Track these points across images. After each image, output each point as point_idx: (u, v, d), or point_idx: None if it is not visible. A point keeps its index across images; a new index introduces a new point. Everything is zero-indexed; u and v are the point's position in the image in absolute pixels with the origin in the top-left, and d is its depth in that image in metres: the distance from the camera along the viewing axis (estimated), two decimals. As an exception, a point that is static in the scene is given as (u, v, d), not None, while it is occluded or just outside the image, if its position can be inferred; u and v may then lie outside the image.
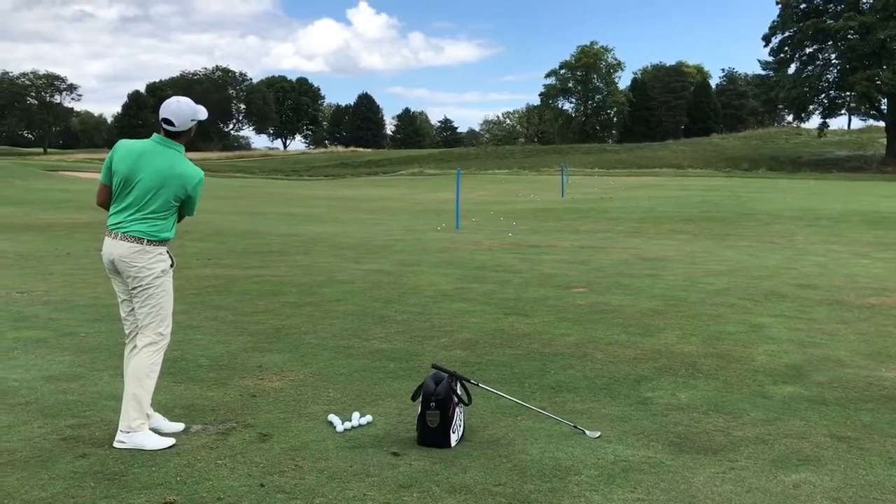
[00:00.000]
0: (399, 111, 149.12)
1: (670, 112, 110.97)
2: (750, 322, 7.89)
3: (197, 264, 12.04)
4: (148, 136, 4.62)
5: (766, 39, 66.10)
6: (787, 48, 65.20)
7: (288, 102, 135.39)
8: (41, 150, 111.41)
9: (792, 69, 66.19)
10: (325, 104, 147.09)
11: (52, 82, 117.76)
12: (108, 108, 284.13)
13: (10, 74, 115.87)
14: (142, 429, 4.41)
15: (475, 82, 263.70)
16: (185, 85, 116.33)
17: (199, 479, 3.96)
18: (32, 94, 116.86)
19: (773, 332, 7.41)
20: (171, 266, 4.63)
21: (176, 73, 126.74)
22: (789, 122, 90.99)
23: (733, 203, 26.51)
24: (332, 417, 4.83)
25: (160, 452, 4.30)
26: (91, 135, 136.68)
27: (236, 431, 4.68)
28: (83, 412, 5.01)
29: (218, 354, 6.54)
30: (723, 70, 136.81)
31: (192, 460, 4.21)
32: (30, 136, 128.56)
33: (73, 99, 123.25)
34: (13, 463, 4.17)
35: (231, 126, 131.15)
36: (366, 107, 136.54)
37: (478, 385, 4.91)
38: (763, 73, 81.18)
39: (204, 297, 9.22)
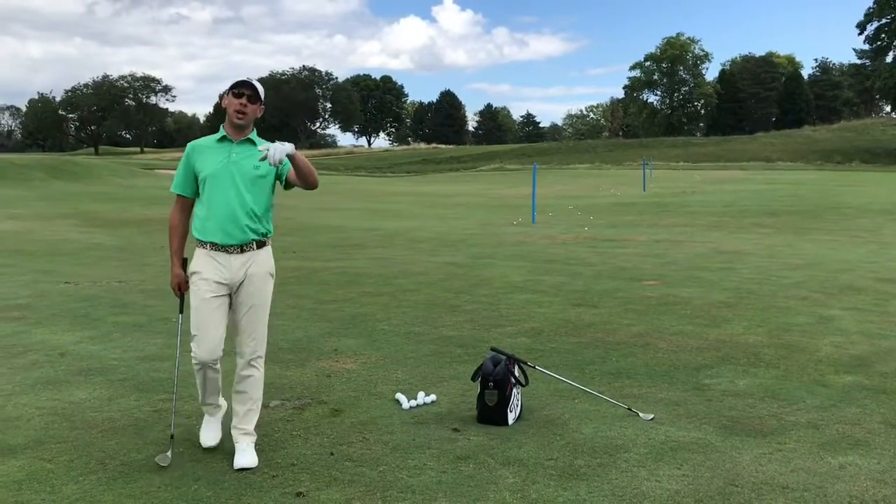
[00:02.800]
0: (482, 107, 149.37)
1: (760, 104, 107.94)
2: (820, 314, 7.86)
3: (282, 257, 12.57)
4: None
5: (861, 27, 63.79)
6: (884, 35, 62.77)
7: (372, 101, 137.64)
8: (138, 149, 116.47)
9: (890, 57, 63.57)
10: (408, 102, 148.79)
11: (149, 84, 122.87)
12: (201, 108, 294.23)
13: (111, 77, 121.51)
14: (203, 422, 4.49)
15: (559, 76, 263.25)
16: (273, 84, 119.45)
17: (275, 447, 4.34)
18: (130, 95, 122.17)
19: (842, 325, 7.38)
20: (196, 276, 4.18)
21: (265, 73, 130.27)
22: (888, 113, 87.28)
23: (820, 197, 25.80)
24: (399, 396, 5.16)
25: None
26: (185, 134, 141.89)
27: (311, 407, 5.06)
28: (173, 388, 5.47)
29: (297, 338, 6.97)
30: (815, 60, 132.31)
31: (269, 431, 4.60)
32: (128, 136, 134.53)
33: (167, 100, 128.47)
34: (113, 430, 4.66)
35: (317, 124, 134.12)
36: (448, 104, 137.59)
37: (535, 367, 5.15)
38: (859, 61, 78.11)
39: (286, 286, 9.71)
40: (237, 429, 4.25)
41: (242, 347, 4.21)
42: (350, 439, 4.48)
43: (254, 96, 4.12)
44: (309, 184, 4.15)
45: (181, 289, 4.27)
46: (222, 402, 4.49)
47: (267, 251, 4.26)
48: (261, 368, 4.29)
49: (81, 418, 4.86)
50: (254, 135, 4.23)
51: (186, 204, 4.25)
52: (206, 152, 4.18)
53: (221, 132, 4.20)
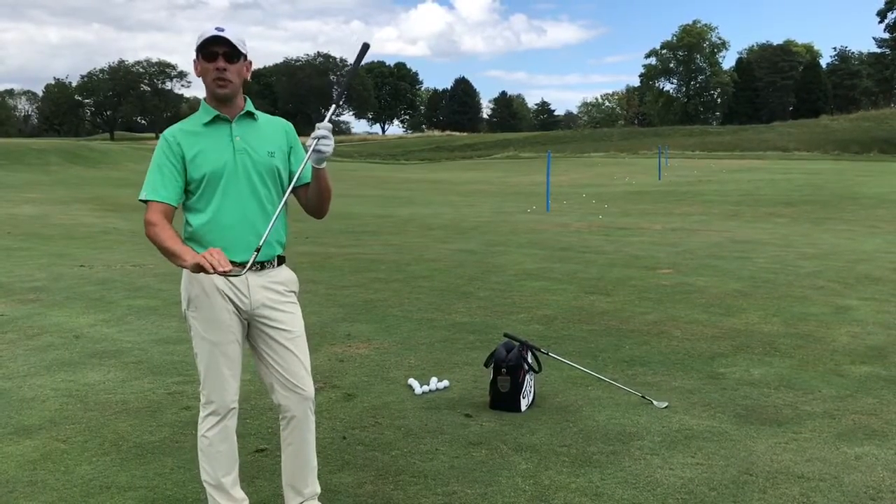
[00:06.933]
0: (497, 95, 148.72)
1: (777, 93, 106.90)
2: (836, 304, 7.79)
3: (295, 242, 12.61)
4: None
5: (882, 15, 63.08)
6: (905, 24, 61.90)
7: (386, 87, 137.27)
8: (153, 135, 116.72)
9: (910, 46, 62.84)
10: (422, 89, 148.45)
11: (164, 70, 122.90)
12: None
13: (126, 63, 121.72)
14: None
15: (576, 64, 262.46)
16: (288, 71, 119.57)
17: (287, 431, 4.34)
18: (146, 81, 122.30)
19: (859, 315, 7.31)
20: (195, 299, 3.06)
21: (280, 60, 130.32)
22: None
23: (837, 186, 25.58)
24: (412, 381, 5.16)
25: (257, 406, 4.71)
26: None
27: (324, 391, 5.05)
28: (187, 371, 5.49)
29: (310, 323, 6.88)
30: (834, 49, 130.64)
31: (282, 415, 4.60)
32: (143, 121, 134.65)
33: (182, 86, 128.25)
34: (127, 412, 4.68)
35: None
36: (462, 91, 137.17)
37: (548, 354, 5.13)
38: (879, 50, 77.28)
39: (299, 272, 9.64)
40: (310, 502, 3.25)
41: (292, 390, 3.15)
42: (363, 424, 4.48)
43: (232, 52, 2.91)
44: (323, 208, 3.23)
45: (212, 260, 2.68)
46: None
47: (286, 268, 3.30)
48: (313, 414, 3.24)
49: (95, 400, 4.89)
50: (250, 105, 3.10)
51: (168, 212, 2.96)
52: (199, 140, 2.99)
53: (208, 111, 3.01)
